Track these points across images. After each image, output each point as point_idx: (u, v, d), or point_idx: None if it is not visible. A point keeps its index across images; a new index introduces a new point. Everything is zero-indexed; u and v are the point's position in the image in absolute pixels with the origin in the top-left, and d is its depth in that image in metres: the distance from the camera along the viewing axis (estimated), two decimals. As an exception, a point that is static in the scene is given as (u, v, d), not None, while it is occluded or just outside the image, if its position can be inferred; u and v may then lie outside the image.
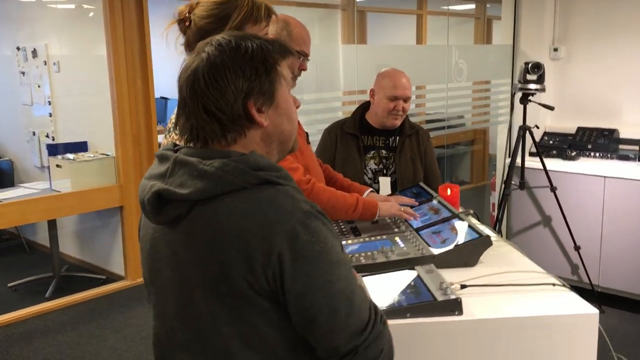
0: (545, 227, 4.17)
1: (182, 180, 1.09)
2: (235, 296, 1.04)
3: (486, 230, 2.24)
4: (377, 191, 2.76)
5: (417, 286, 1.63)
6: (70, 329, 3.72)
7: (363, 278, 1.71)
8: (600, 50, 4.30)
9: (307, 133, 2.30)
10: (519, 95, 3.97)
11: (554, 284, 1.69)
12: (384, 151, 2.80)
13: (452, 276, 1.75)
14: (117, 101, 4.12)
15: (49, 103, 4.95)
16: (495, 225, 4.23)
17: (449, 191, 2.45)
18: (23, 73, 5.16)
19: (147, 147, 4.25)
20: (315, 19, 5.19)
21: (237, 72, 1.10)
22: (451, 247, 1.87)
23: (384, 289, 1.63)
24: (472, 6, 6.29)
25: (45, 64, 4.86)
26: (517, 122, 4.21)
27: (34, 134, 5.20)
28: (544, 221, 4.17)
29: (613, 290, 3.95)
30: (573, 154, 4.16)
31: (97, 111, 4.37)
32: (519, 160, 3.99)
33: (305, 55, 2.12)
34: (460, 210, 2.49)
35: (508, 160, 4.14)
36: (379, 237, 2.07)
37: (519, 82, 3.91)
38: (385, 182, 2.79)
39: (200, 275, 1.07)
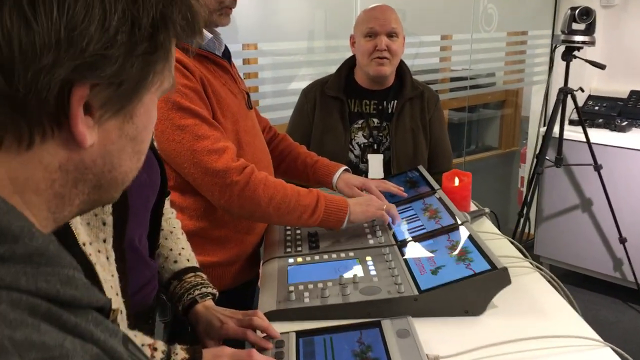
0: (584, 213, 3.44)
1: None
2: None
3: (506, 245, 1.56)
4: (365, 173, 2.09)
5: (375, 367, 0.97)
6: None
7: (287, 342, 1.06)
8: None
9: (247, 94, 1.62)
10: (560, 49, 3.19)
11: (610, 367, 1.02)
12: (375, 120, 2.11)
13: (441, 338, 1.09)
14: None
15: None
16: (523, 208, 3.52)
17: (457, 181, 1.76)
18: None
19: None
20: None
21: (96, 6, 0.46)
22: (446, 282, 1.20)
23: (320, 369, 0.98)
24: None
25: None
26: (557, 83, 3.45)
27: None
28: (584, 206, 3.44)
29: (664, 292, 3.25)
30: (624, 123, 3.39)
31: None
32: (556, 130, 3.24)
33: None
34: (473, 209, 1.80)
35: (543, 129, 3.40)
36: (342, 255, 1.40)
37: (562, 32, 3.12)
38: (375, 162, 2.11)
39: None
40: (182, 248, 1.22)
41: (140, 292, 1.05)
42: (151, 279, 1.09)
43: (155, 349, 0.90)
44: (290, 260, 1.40)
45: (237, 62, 2.65)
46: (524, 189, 3.94)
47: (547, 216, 3.60)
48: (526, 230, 3.47)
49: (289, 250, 1.46)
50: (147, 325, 1.09)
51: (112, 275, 0.89)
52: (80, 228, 0.83)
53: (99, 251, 0.87)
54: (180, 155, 1.35)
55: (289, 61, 2.84)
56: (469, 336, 1.11)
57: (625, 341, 2.96)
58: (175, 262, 1.19)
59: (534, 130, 4.00)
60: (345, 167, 1.75)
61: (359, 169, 2.11)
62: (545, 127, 3.29)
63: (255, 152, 1.49)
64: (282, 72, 2.81)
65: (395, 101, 2.10)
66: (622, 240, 3.21)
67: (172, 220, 1.25)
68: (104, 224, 0.87)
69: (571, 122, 3.43)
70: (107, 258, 0.89)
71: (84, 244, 0.82)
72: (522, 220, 3.47)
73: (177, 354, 0.92)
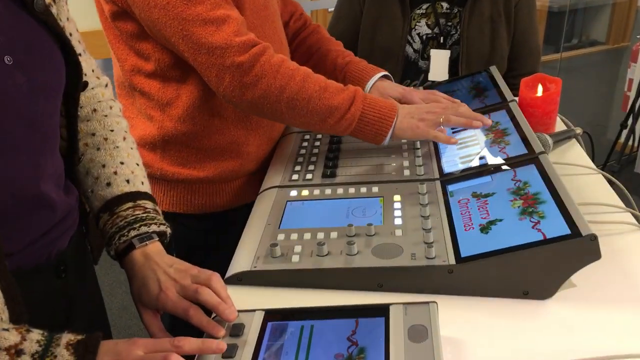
0: None
1: None
2: None
3: (600, 185, 1.12)
4: (425, 73, 1.65)
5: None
6: None
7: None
8: None
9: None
10: None
11: None
12: (445, 4, 1.63)
13: (479, 338, 0.72)
14: None
15: None
16: (628, 117, 2.96)
17: (540, 90, 1.29)
18: None
19: None
20: None
21: None
22: (498, 249, 0.81)
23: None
24: None
25: None
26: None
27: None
28: None
29: None
30: None
31: None
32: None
33: None
34: (558, 130, 1.34)
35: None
36: (363, 190, 1.02)
37: None
38: (440, 58, 1.65)
39: None
40: (121, 163, 0.85)
41: (45, 238, 0.73)
42: (65, 218, 0.77)
43: (19, 353, 0.58)
44: (293, 193, 1.04)
45: None
46: (632, 94, 3.34)
47: (658, 129, 3.02)
48: (629, 143, 2.94)
49: (295, 177, 1.10)
50: (60, 281, 0.78)
51: None
52: None
53: None
54: (167, 26, 1.00)
55: None
56: (527, 339, 0.73)
57: None
58: (108, 184, 0.83)
59: (653, 23, 3.31)
60: (385, 72, 1.32)
61: (418, 67, 1.67)
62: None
63: (267, 38, 1.10)
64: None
65: (472, -20, 1.60)
66: None
67: (108, 120, 0.87)
68: None
69: None
70: None
71: None
72: (625, 131, 2.93)
73: (56, 357, 0.60)
